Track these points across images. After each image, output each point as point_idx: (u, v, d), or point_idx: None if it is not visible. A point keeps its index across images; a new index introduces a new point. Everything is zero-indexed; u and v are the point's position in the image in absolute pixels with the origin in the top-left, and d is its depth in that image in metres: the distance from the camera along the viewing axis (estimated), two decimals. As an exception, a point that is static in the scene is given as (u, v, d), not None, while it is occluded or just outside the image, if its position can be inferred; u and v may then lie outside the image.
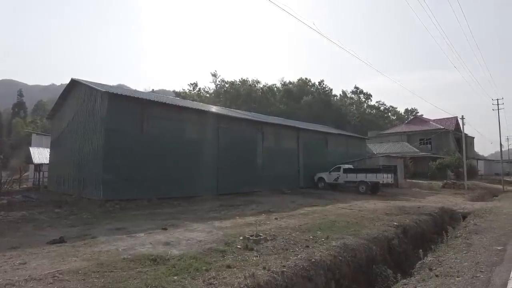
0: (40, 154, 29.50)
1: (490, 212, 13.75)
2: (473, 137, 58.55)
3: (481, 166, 51.26)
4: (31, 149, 31.41)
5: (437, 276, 5.59)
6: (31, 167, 32.12)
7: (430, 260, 6.83)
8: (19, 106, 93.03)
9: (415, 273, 6.47)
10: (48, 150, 26.26)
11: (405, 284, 5.61)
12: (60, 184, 20.70)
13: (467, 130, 59.46)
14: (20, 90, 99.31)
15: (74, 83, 20.16)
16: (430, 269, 6.10)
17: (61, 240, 7.37)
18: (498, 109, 37.28)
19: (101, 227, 9.37)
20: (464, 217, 13.95)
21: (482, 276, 5.43)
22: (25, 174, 33.24)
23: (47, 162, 25.83)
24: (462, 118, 33.17)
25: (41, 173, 27.43)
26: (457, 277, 5.43)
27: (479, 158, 59.48)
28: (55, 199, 15.95)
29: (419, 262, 7.13)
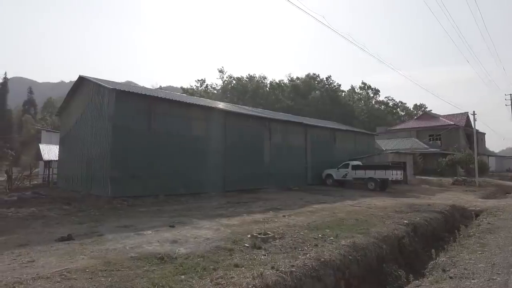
0: (50, 151, 29.80)
1: (504, 210, 13.41)
2: (484, 133, 57.47)
3: (492, 163, 50.29)
4: (40, 146, 31.75)
5: (451, 278, 5.42)
6: (41, 163, 32.54)
7: (443, 260, 6.64)
8: (30, 103, 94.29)
9: (428, 273, 6.28)
10: (57, 147, 26.52)
11: (418, 286, 5.44)
12: (69, 181, 20.90)
13: (478, 125, 58.26)
14: (30, 87, 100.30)
15: (82, 80, 20.26)
16: (444, 270, 5.92)
17: (69, 238, 7.37)
18: (512, 104, 36.47)
19: (108, 224, 9.38)
20: (477, 215, 13.59)
21: (499, 278, 5.24)
22: (35, 170, 33.76)
23: (56, 159, 26.10)
24: (474, 114, 32.45)
25: (51, 169, 27.76)
26: (473, 279, 5.25)
27: (490, 154, 58.34)
28: (64, 196, 16.10)
29: (432, 262, 6.94)
